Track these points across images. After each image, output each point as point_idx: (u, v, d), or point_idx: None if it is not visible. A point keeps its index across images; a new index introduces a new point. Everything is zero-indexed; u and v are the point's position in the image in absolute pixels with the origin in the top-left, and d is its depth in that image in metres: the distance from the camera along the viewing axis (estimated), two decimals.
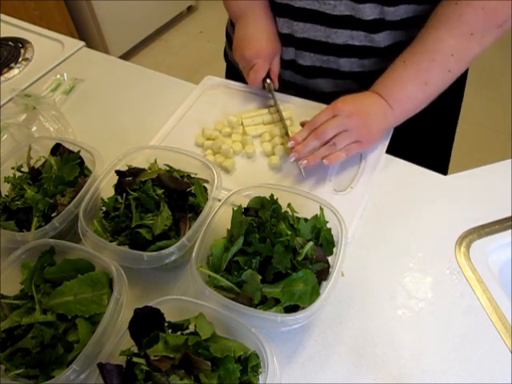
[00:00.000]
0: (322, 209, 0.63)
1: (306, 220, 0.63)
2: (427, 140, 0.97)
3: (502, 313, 0.61)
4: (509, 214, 0.70)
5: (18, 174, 0.73)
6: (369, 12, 0.77)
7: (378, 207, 0.74)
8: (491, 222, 0.70)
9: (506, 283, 0.67)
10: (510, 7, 0.68)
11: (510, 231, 0.69)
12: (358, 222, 0.71)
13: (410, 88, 0.75)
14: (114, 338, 0.55)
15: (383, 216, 0.73)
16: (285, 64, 0.89)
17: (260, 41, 0.85)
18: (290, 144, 0.76)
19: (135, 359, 0.51)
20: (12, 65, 1.07)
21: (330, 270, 0.59)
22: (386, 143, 0.81)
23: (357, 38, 0.82)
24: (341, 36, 0.82)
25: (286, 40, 0.88)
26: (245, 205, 0.64)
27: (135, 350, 0.53)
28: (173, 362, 0.50)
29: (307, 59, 0.88)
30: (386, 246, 0.69)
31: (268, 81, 0.87)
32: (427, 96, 0.76)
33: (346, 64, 0.86)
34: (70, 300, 0.57)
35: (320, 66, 0.88)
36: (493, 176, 0.76)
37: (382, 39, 0.81)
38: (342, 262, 0.58)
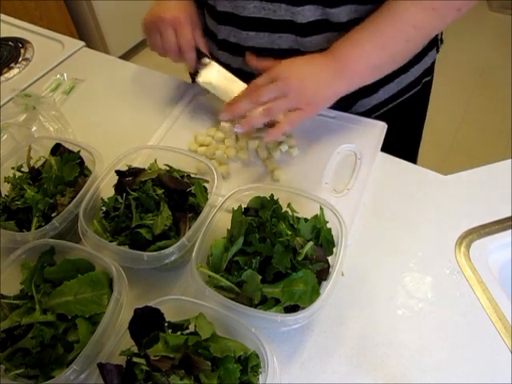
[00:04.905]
0: (322, 209, 0.63)
1: (306, 220, 0.63)
2: (395, 134, 0.95)
3: (502, 313, 0.61)
4: (509, 214, 0.70)
5: (18, 174, 0.73)
6: (309, 14, 0.75)
7: (377, 207, 0.74)
8: (491, 222, 0.70)
9: (506, 283, 0.67)
10: None
11: (510, 231, 0.69)
12: (357, 223, 0.71)
13: (366, 48, 0.70)
14: (113, 338, 0.55)
15: (383, 216, 0.73)
16: (234, 72, 0.85)
17: (174, 7, 0.81)
18: (225, 110, 0.72)
19: (135, 359, 0.51)
20: (12, 65, 1.07)
21: (330, 270, 0.59)
22: (381, 141, 0.80)
23: (301, 42, 0.79)
24: (286, 41, 0.80)
25: (234, 49, 0.86)
26: (245, 205, 0.64)
27: (135, 349, 0.53)
28: (173, 362, 0.50)
29: None
30: (386, 246, 0.69)
31: (207, 60, 0.83)
32: (382, 62, 0.72)
33: None
34: (69, 300, 0.57)
35: None
36: (493, 176, 0.76)
37: (325, 40, 0.78)
38: (342, 261, 0.58)
